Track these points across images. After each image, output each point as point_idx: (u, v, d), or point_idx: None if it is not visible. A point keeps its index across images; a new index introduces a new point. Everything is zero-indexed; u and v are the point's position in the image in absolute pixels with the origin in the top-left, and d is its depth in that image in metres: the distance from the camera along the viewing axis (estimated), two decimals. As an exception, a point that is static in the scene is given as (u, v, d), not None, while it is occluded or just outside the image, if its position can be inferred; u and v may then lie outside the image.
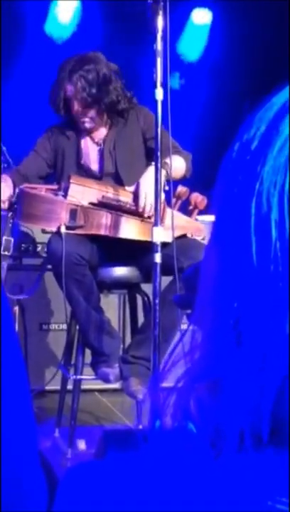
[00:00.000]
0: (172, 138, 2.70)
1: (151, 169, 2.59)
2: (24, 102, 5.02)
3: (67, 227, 2.70)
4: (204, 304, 0.48)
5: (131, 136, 3.03)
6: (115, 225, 2.75)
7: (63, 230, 2.68)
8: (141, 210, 2.76)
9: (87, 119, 2.96)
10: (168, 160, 2.61)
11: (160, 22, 2.42)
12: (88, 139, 3.06)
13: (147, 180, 2.70)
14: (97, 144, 3.04)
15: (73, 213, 2.72)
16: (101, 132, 3.04)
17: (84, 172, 2.99)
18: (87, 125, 2.98)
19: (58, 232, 2.69)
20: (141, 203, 2.75)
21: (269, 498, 0.41)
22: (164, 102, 2.45)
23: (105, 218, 2.75)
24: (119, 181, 2.96)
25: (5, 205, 2.80)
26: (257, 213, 0.43)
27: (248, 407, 0.43)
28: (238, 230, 0.44)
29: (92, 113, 2.95)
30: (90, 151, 3.05)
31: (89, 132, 3.04)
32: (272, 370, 0.42)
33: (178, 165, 2.85)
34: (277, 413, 0.42)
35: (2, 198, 2.79)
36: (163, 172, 2.62)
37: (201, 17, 5.67)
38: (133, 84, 3.09)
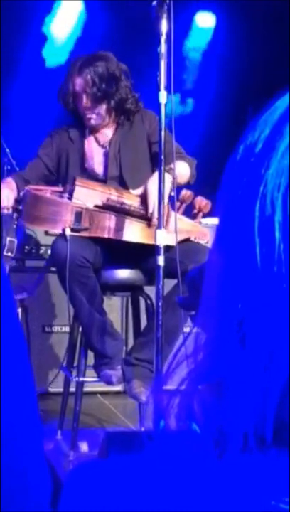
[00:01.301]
0: (177, 143, 2.70)
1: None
2: (29, 104, 5.03)
3: (72, 230, 2.70)
4: (208, 306, 0.48)
5: (136, 139, 3.03)
6: (119, 228, 2.76)
7: (68, 232, 2.69)
8: (150, 215, 2.75)
9: (94, 116, 2.96)
10: (173, 165, 2.61)
11: (164, 25, 2.43)
12: (93, 141, 3.05)
13: (155, 185, 2.70)
14: (102, 146, 3.04)
15: (78, 215, 2.72)
16: (107, 135, 3.05)
17: (89, 175, 2.99)
18: (93, 122, 2.98)
19: (63, 235, 2.70)
20: (150, 209, 2.74)
21: (272, 497, 0.42)
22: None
23: (109, 221, 2.75)
24: (123, 185, 2.96)
25: (9, 211, 2.82)
26: (261, 215, 0.44)
27: (252, 408, 0.43)
28: (242, 232, 0.45)
29: (100, 109, 2.95)
30: (95, 154, 3.05)
31: (94, 131, 3.03)
32: (276, 371, 0.42)
33: (182, 171, 2.85)
34: (281, 414, 0.43)
35: (7, 204, 2.81)
36: (170, 178, 2.62)
37: (205, 20, 5.68)
38: (136, 87, 3.10)
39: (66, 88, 2.96)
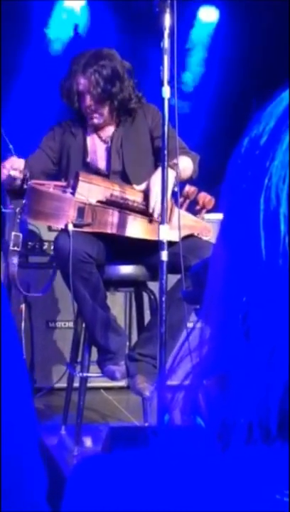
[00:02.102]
0: (180, 139, 2.69)
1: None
2: (31, 100, 5.03)
3: (75, 225, 2.70)
4: (212, 299, 0.48)
5: (139, 134, 3.02)
6: (122, 224, 2.76)
7: (71, 227, 2.68)
8: (151, 211, 2.75)
9: (96, 115, 2.95)
10: (176, 160, 2.61)
11: (167, 20, 2.42)
12: (95, 136, 3.05)
13: (158, 181, 2.69)
14: (105, 141, 3.04)
15: (81, 211, 2.72)
16: (109, 130, 3.04)
17: (91, 170, 2.98)
18: (96, 121, 2.97)
19: (66, 230, 2.70)
20: (152, 204, 2.74)
21: (276, 491, 0.42)
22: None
23: (112, 216, 2.75)
24: (126, 180, 2.95)
25: (19, 174, 2.78)
26: (266, 208, 0.44)
27: (256, 400, 0.43)
28: (247, 225, 0.44)
29: (103, 109, 2.94)
30: (97, 149, 3.04)
31: (96, 129, 3.03)
32: (280, 364, 0.42)
33: (185, 166, 2.85)
34: (284, 407, 0.43)
35: (16, 166, 2.78)
36: (173, 173, 2.62)
37: (208, 15, 5.67)
38: (140, 82, 3.09)
39: (69, 86, 2.94)
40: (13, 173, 2.78)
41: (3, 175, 2.79)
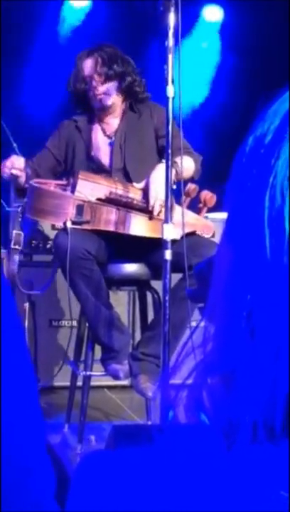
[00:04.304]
0: (184, 139, 2.70)
1: (161, 167, 2.59)
2: (37, 98, 5.03)
3: (74, 222, 2.71)
4: (217, 297, 0.48)
5: (143, 131, 3.03)
6: (123, 222, 2.76)
7: (69, 225, 2.69)
8: (151, 208, 2.75)
9: (103, 95, 2.97)
10: (178, 159, 2.61)
11: (171, 18, 2.42)
12: (99, 131, 3.06)
13: (157, 178, 2.70)
14: (109, 136, 3.05)
15: (80, 209, 2.73)
16: (113, 125, 3.05)
17: (95, 165, 3.00)
18: (103, 102, 2.99)
19: (64, 227, 2.71)
20: (152, 201, 2.75)
21: (281, 488, 0.42)
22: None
23: (112, 214, 2.76)
24: (127, 177, 2.96)
25: (20, 173, 2.83)
26: (271, 206, 0.44)
27: (261, 398, 0.43)
28: (252, 223, 0.45)
29: (110, 87, 2.97)
30: (101, 145, 3.05)
31: (101, 120, 3.04)
32: (285, 362, 0.42)
33: (187, 166, 2.85)
34: (290, 405, 0.43)
35: (17, 165, 2.83)
36: (173, 171, 2.62)
37: (212, 14, 5.67)
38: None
39: (75, 75, 3.00)
40: (14, 171, 2.82)
41: (5, 174, 2.84)
